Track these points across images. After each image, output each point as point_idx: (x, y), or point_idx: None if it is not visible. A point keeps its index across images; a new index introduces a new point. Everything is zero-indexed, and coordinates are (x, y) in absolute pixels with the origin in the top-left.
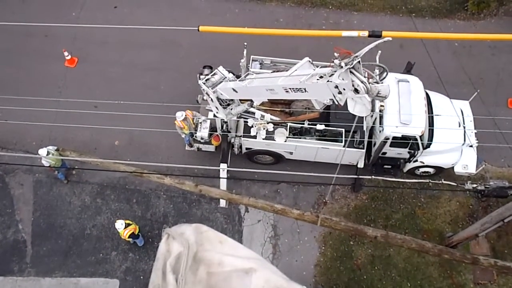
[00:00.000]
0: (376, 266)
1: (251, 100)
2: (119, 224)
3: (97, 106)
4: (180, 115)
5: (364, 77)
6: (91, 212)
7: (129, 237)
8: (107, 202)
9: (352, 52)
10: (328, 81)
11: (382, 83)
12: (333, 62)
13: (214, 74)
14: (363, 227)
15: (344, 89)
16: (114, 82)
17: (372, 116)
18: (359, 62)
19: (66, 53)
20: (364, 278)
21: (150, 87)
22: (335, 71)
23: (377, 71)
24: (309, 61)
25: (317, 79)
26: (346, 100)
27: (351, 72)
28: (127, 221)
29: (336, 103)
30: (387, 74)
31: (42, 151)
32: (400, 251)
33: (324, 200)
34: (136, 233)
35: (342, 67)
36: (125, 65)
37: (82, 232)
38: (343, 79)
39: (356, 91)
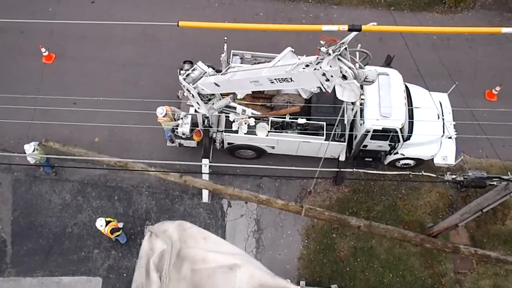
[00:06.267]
0: (358, 258)
1: (234, 94)
2: (99, 224)
3: (76, 103)
4: (161, 111)
5: None
6: (72, 210)
7: (111, 233)
8: (88, 200)
9: (337, 40)
10: (315, 69)
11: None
12: (320, 50)
13: (194, 69)
14: (346, 217)
15: (332, 76)
16: (93, 78)
17: (352, 109)
18: (345, 48)
19: (43, 50)
20: (347, 270)
21: (130, 83)
22: (323, 59)
23: (357, 59)
24: (292, 51)
25: (303, 68)
26: (334, 88)
27: (338, 59)
28: (108, 219)
29: (324, 90)
30: (370, 60)
31: (28, 147)
32: (382, 243)
33: (309, 190)
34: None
35: (330, 54)
36: (104, 61)
37: (63, 231)
38: (331, 66)
39: (344, 77)
